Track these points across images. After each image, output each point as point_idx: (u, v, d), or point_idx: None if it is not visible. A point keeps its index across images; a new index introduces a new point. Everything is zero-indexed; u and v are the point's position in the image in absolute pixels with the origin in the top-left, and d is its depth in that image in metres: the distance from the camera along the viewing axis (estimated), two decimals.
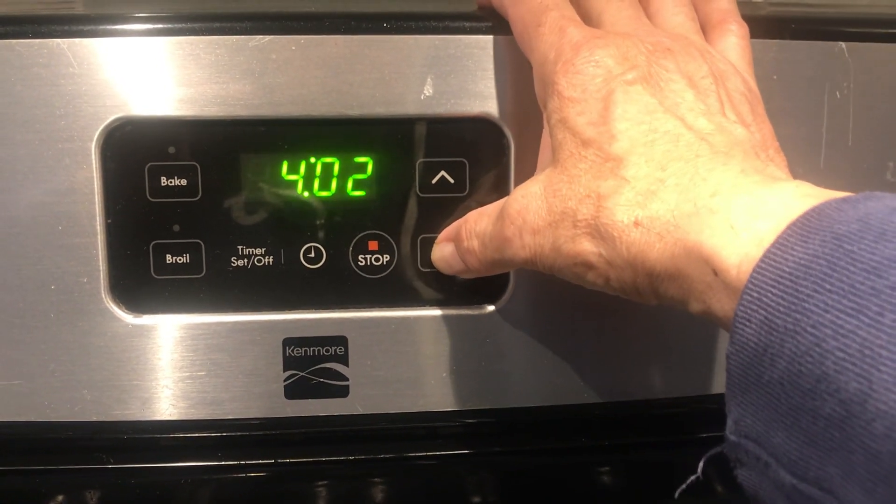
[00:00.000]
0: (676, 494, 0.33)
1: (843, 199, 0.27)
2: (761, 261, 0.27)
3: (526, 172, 0.42)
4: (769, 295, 0.26)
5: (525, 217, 0.35)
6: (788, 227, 0.27)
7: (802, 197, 0.28)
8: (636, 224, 0.31)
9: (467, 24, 0.41)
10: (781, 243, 0.26)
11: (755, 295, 0.26)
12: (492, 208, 0.39)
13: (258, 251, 0.43)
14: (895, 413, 0.22)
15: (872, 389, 0.23)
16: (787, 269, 0.26)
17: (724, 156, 0.31)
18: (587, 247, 0.33)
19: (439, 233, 0.43)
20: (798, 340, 0.25)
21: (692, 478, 0.32)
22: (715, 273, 0.28)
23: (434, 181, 0.43)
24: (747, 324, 0.27)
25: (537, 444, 0.48)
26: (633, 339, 0.45)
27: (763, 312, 0.26)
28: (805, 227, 0.26)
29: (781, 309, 0.25)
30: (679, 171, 0.31)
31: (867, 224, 0.25)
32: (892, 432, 0.22)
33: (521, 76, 0.41)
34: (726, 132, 0.33)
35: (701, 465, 0.31)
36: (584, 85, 0.34)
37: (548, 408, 0.46)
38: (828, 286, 0.24)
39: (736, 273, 0.28)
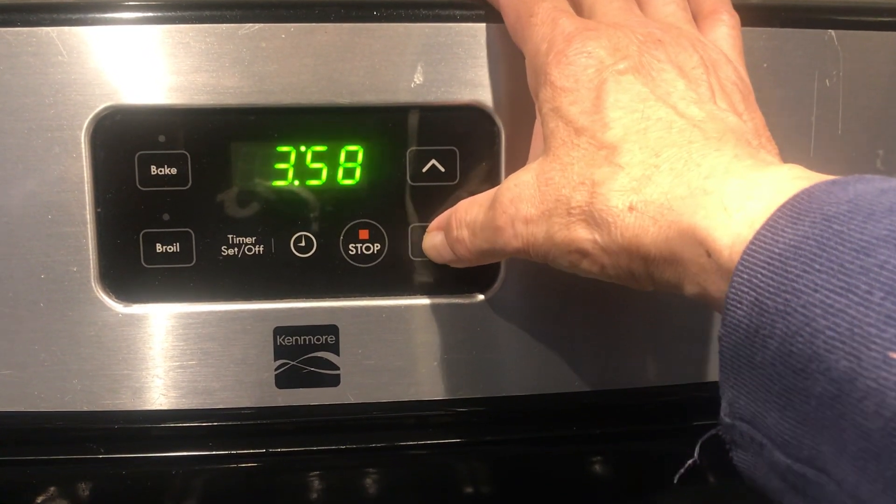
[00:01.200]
0: (676, 479, 0.33)
1: (833, 182, 0.27)
2: (752, 242, 0.27)
3: (517, 161, 0.42)
4: (759, 276, 0.26)
5: (517, 206, 0.35)
6: (779, 209, 0.27)
7: (794, 179, 0.28)
8: (631, 209, 0.31)
9: (458, 13, 0.41)
10: (772, 224, 0.26)
11: (746, 276, 0.26)
12: (483, 197, 0.38)
13: (249, 240, 0.43)
14: (885, 390, 0.22)
15: (862, 367, 0.23)
16: (777, 251, 0.26)
17: (717, 141, 0.31)
18: (582, 234, 0.33)
19: (430, 221, 0.43)
20: (788, 321, 0.25)
21: (689, 462, 0.32)
22: (708, 254, 0.29)
23: (425, 170, 0.43)
24: (738, 305, 0.27)
25: (528, 433, 0.48)
26: (625, 328, 0.45)
27: (754, 294, 0.26)
28: (795, 208, 0.26)
29: (771, 290, 0.25)
30: (673, 157, 0.31)
31: (857, 205, 0.25)
32: (882, 409, 0.22)
33: (511, 64, 0.41)
34: (718, 119, 0.33)
35: (697, 448, 0.32)
36: (576, 75, 0.34)
37: (539, 396, 0.46)
38: (817, 266, 0.25)
39: (728, 254, 0.28)
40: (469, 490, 0.48)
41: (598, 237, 0.32)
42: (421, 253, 0.43)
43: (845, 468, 0.24)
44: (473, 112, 0.42)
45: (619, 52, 0.34)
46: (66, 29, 0.40)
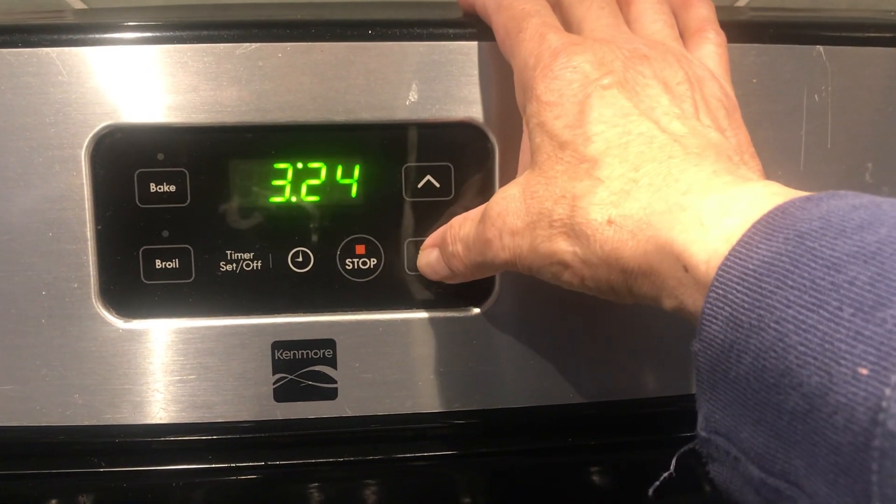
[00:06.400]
0: (650, 492, 0.33)
1: (808, 198, 0.27)
2: (727, 258, 0.27)
3: (510, 176, 0.42)
4: (734, 292, 0.26)
5: (505, 219, 0.36)
6: (754, 226, 0.27)
7: (770, 196, 0.28)
8: (609, 222, 0.32)
9: (451, 31, 0.42)
10: (746, 241, 0.27)
11: (721, 292, 0.27)
12: (475, 213, 0.39)
13: (247, 256, 0.43)
14: (854, 405, 0.22)
15: (833, 383, 0.23)
16: (752, 267, 0.26)
17: (697, 157, 0.32)
18: (563, 246, 0.34)
19: (426, 236, 0.43)
20: (762, 336, 0.25)
21: (664, 475, 0.33)
22: (685, 269, 0.29)
23: (420, 185, 0.43)
24: (713, 320, 0.27)
25: (524, 445, 0.48)
26: (619, 340, 0.46)
27: (728, 309, 0.26)
28: (769, 224, 0.27)
29: (746, 305, 0.26)
30: (652, 172, 0.32)
31: (828, 221, 0.26)
32: (851, 424, 0.23)
33: (504, 81, 0.42)
34: (699, 135, 0.34)
35: (674, 462, 0.32)
36: (561, 90, 0.35)
37: (534, 408, 0.46)
38: (790, 282, 0.25)
39: (705, 269, 0.28)
40: (466, 501, 0.49)
41: (577, 249, 0.33)
42: (417, 267, 0.44)
43: (817, 482, 0.24)
44: (467, 128, 0.43)
45: (605, 67, 0.35)
46: (66, 49, 0.40)
